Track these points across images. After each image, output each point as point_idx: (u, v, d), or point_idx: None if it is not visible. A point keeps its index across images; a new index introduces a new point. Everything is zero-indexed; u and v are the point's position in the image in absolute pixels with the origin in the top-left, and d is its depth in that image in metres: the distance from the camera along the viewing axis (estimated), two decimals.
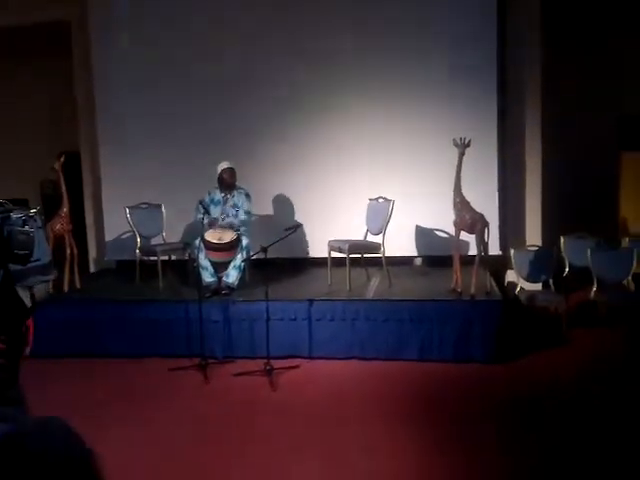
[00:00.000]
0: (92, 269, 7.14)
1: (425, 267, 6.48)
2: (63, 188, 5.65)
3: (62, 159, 5.68)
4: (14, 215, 1.56)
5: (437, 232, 6.35)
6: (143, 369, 4.87)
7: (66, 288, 5.66)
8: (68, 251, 5.65)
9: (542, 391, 4.21)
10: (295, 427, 3.70)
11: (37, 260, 1.55)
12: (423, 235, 6.41)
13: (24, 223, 1.54)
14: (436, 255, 6.31)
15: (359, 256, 5.83)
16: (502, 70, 6.32)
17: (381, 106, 6.37)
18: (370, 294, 5.35)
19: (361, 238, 5.91)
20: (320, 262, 6.21)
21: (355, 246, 5.70)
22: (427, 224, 6.38)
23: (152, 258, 6.00)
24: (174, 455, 3.41)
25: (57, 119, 7.67)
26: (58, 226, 5.53)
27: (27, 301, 1.78)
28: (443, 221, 6.02)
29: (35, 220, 1.59)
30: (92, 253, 7.22)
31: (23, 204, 1.51)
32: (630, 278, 5.40)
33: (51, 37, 7.02)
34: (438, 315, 4.87)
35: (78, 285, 5.76)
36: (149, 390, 4.46)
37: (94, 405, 4.09)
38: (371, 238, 5.86)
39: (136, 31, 6.73)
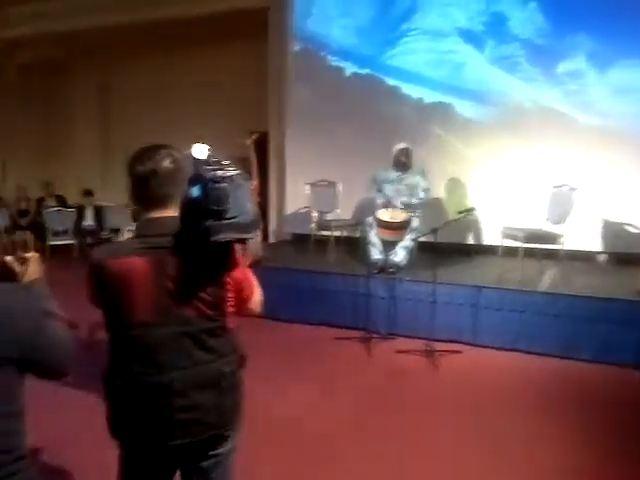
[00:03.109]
0: (271, 240, 7.72)
1: (610, 265, 5.94)
2: (254, 163, 6.16)
3: (254, 136, 6.19)
4: (218, 172, 1.68)
5: (627, 226, 5.78)
6: (310, 335, 5.19)
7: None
8: None
9: None
10: (454, 411, 3.70)
11: (233, 218, 1.66)
12: (610, 229, 5.87)
13: (222, 180, 1.65)
14: (625, 252, 5.77)
15: (535, 246, 5.54)
16: None
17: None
18: (544, 287, 5.07)
19: (539, 227, 5.61)
20: (491, 250, 6.03)
21: (532, 235, 5.43)
22: (616, 217, 5.83)
23: (325, 233, 6.34)
24: (336, 418, 3.63)
25: (249, 100, 8.37)
26: None
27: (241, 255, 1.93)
28: (636, 214, 5.47)
29: (233, 180, 1.69)
30: (272, 225, 7.80)
31: None
32: None
33: (250, 22, 7.61)
34: (620, 315, 4.46)
35: (260, 253, 6.29)
36: (315, 355, 4.75)
37: (263, 359, 4.49)
38: (550, 229, 5.53)
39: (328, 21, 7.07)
